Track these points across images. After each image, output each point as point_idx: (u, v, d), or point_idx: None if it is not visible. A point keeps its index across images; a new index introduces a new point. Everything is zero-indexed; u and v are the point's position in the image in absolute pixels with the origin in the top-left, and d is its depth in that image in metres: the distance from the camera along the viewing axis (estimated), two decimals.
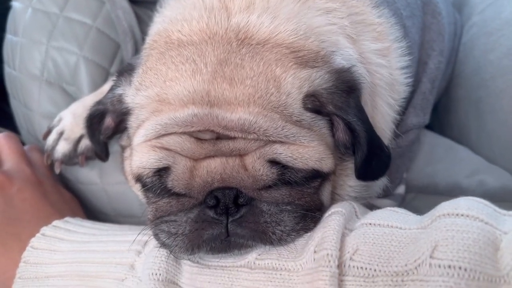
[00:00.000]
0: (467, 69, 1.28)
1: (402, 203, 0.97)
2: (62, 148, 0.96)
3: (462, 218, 0.55)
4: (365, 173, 0.70)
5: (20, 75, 1.09)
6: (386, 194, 0.94)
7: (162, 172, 0.64)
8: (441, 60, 1.00)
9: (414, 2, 1.03)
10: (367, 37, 0.78)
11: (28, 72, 1.07)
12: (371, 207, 0.91)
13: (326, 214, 0.65)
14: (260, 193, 0.63)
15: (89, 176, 0.99)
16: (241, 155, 0.62)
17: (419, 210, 1.02)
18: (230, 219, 0.62)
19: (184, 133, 0.63)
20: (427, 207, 1.01)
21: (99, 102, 0.75)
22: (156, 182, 0.65)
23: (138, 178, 0.67)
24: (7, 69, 1.16)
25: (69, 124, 0.97)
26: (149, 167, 0.64)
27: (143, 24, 1.17)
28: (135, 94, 0.68)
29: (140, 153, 0.65)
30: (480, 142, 1.15)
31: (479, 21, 1.34)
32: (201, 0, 0.71)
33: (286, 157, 0.62)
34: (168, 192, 0.65)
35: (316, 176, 0.66)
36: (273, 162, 0.62)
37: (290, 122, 0.63)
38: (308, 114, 0.65)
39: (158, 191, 0.65)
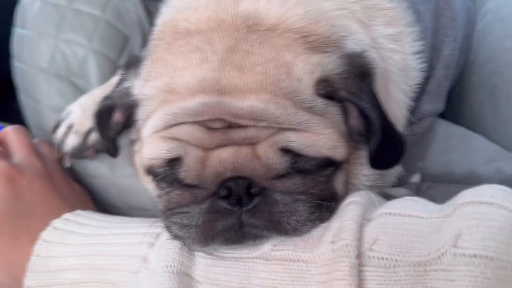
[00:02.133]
0: (481, 56, 1.25)
1: (417, 192, 0.96)
2: (72, 141, 0.95)
3: (486, 206, 0.53)
4: (380, 161, 0.68)
5: (28, 68, 1.08)
6: (401, 183, 0.92)
7: (174, 162, 0.63)
8: (455, 46, 0.98)
9: None
10: (379, 22, 0.76)
11: (37, 65, 1.07)
12: (387, 196, 0.89)
13: (343, 204, 0.63)
14: (273, 183, 0.61)
15: (99, 169, 0.99)
16: (253, 143, 0.61)
17: (434, 199, 1.00)
18: (244, 209, 0.61)
19: (194, 122, 0.62)
20: (443, 196, 0.99)
21: (107, 97, 0.74)
22: (168, 172, 0.64)
23: (149, 170, 0.66)
24: (15, 63, 1.15)
25: (78, 117, 0.96)
26: (160, 157, 0.63)
27: (152, 17, 1.16)
28: (143, 85, 0.67)
29: (150, 145, 0.64)
30: (496, 129, 1.13)
31: (493, 7, 1.31)
32: None
33: (299, 145, 0.61)
34: (179, 183, 0.64)
35: (329, 164, 0.65)
36: (286, 150, 0.61)
37: (302, 109, 0.62)
38: (321, 100, 0.63)
39: (170, 181, 0.64)
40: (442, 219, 0.56)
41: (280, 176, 0.62)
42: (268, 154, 0.60)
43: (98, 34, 1.06)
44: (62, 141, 0.96)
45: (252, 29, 0.64)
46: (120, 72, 0.76)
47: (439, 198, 0.99)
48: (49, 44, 1.05)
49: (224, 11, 0.65)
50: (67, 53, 1.05)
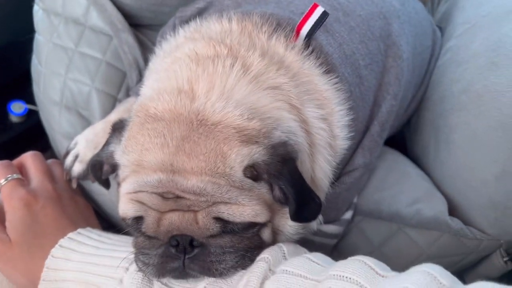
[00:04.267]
0: (435, 94, 1.39)
1: (348, 226, 1.16)
2: (78, 168, 1.20)
3: (344, 281, 0.73)
4: (299, 217, 0.89)
5: (43, 99, 1.32)
6: (334, 219, 1.14)
7: (138, 219, 0.87)
8: (394, 104, 1.14)
9: (376, 47, 1.15)
10: (311, 105, 0.94)
11: (50, 97, 1.30)
12: (319, 231, 1.11)
13: (257, 259, 0.85)
14: (208, 240, 0.85)
15: (99, 188, 1.24)
16: (195, 210, 0.84)
17: (365, 231, 1.22)
18: (186, 256, 0.85)
19: (153, 192, 0.84)
20: (372, 229, 1.21)
21: (97, 155, 0.97)
22: (135, 225, 0.88)
23: (123, 219, 0.90)
24: (35, 89, 1.39)
25: (83, 148, 1.20)
26: (129, 215, 0.87)
27: (147, 50, 1.36)
28: (121, 156, 0.89)
29: (123, 203, 0.88)
30: (435, 168, 1.30)
31: (454, 46, 1.43)
32: (174, 80, 0.90)
33: (228, 215, 0.83)
34: (143, 234, 0.88)
35: (254, 225, 0.87)
36: (218, 218, 0.83)
37: (234, 187, 0.83)
38: (249, 180, 0.84)
39: (137, 230, 0.89)
40: (315, 283, 0.77)
41: (214, 236, 0.85)
42: (205, 221, 0.83)
43: (100, 74, 1.28)
44: (70, 167, 1.21)
45: (201, 123, 0.83)
46: (109, 131, 0.98)
47: (368, 230, 1.21)
48: (60, 82, 1.28)
49: (182, 106, 0.85)
50: (74, 89, 1.28)
